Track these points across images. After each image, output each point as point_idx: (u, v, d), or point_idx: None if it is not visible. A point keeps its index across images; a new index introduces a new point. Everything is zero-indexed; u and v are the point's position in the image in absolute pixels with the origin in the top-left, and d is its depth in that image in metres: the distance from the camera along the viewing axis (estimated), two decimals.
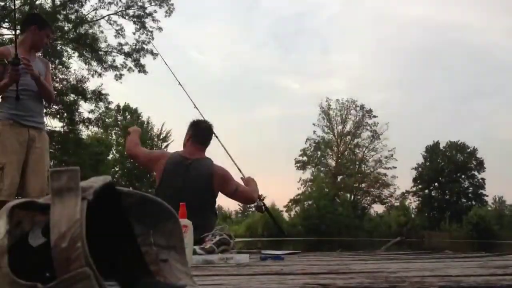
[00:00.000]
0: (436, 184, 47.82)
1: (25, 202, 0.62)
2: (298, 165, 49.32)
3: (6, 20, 20.60)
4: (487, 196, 47.44)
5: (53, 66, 19.48)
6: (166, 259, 0.75)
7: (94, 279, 0.54)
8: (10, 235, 0.58)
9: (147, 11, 23.54)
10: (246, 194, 3.40)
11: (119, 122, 38.24)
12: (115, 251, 0.71)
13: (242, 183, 3.49)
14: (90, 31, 22.73)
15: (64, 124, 22.49)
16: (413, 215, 43.42)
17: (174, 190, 3.06)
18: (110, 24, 23.65)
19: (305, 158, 49.41)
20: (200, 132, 3.38)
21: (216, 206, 3.42)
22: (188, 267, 0.79)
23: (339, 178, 49.05)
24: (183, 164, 3.21)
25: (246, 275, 1.43)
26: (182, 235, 0.79)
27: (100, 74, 22.56)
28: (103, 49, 23.42)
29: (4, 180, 3.25)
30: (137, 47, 24.04)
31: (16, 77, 3.27)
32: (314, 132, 49.71)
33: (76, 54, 22.24)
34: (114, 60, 23.99)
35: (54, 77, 19.83)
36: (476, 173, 47.10)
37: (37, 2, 21.04)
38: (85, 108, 23.57)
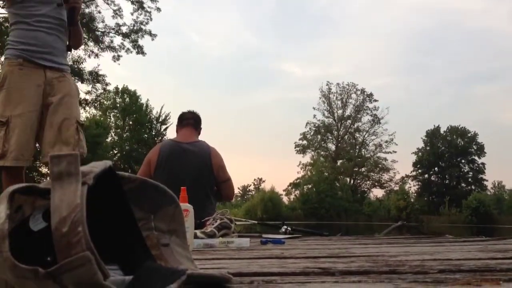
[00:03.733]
0: (436, 168, 47.87)
1: (25, 187, 0.62)
2: (298, 149, 49.43)
3: None
4: (487, 181, 47.64)
5: None
6: (167, 243, 0.76)
7: (95, 263, 0.54)
8: (10, 220, 0.58)
9: None
10: (233, 189, 3.42)
11: (118, 105, 38.14)
12: (116, 235, 0.71)
13: None
14: (87, 10, 22.46)
15: None
16: (412, 200, 43.54)
17: (172, 174, 3.05)
18: (108, 4, 23.42)
19: (305, 142, 49.47)
20: (184, 115, 3.40)
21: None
22: (189, 251, 0.79)
23: (339, 162, 49.15)
24: (178, 148, 3.19)
25: (247, 259, 1.43)
26: (183, 220, 0.79)
27: (97, 55, 22.39)
28: (100, 30, 23.21)
29: (9, 139, 2.44)
30: (135, 27, 23.85)
31: None
32: (314, 116, 49.71)
33: None
34: (111, 41, 23.83)
35: None
36: (476, 157, 47.13)
37: None
38: (81, 90, 23.51)
